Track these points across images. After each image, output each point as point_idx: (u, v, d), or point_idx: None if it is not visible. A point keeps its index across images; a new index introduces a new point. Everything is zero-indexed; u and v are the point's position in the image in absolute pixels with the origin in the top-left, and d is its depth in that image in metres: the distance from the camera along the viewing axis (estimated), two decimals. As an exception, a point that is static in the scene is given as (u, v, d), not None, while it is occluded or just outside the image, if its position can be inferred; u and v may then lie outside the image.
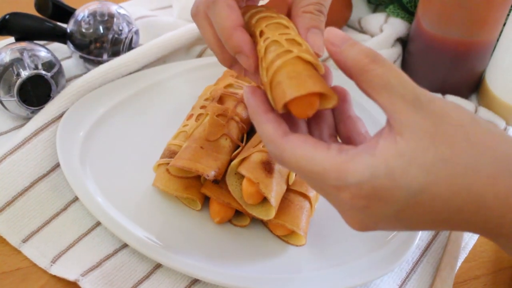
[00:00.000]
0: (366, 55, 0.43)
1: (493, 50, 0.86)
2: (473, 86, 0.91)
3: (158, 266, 0.65)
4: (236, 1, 0.51)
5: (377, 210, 0.43)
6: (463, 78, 0.88)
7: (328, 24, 0.65)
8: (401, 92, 0.42)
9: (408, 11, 0.96)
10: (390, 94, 0.42)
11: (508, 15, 0.83)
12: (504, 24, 0.83)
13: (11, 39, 0.85)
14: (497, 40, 0.85)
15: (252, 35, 0.51)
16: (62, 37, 0.85)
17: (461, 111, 0.43)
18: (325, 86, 0.45)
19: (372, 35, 0.98)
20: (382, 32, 0.95)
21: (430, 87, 0.88)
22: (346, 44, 0.45)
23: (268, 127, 0.46)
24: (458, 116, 0.42)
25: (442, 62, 0.86)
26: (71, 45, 0.85)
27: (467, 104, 0.86)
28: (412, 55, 0.90)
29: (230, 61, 0.55)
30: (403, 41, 0.96)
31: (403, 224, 0.44)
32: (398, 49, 0.93)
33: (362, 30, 1.01)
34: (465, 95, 0.89)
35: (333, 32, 0.46)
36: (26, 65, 0.74)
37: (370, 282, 0.65)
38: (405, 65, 0.93)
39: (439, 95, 0.86)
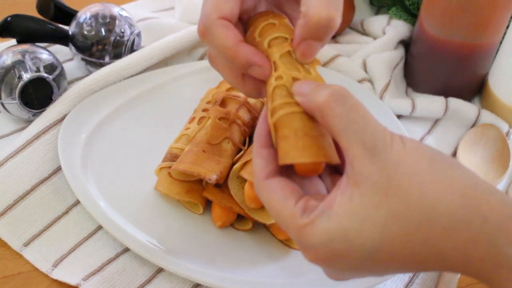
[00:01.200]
0: (329, 95, 0.42)
1: (496, 53, 0.86)
2: (476, 89, 0.90)
3: (159, 270, 0.65)
4: (230, 21, 0.49)
5: (339, 267, 0.43)
6: (466, 80, 0.88)
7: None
8: (360, 136, 0.41)
9: (411, 13, 0.95)
10: (349, 138, 0.41)
11: (511, 17, 0.82)
12: (508, 27, 0.83)
13: (13, 41, 0.85)
14: (500, 43, 0.85)
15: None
16: (64, 39, 0.85)
17: (419, 156, 0.41)
18: (331, 152, 0.45)
19: (374, 37, 0.97)
20: (385, 35, 0.94)
21: (433, 90, 0.88)
22: (312, 88, 0.44)
23: (257, 163, 0.46)
24: (414, 163, 0.41)
25: (445, 64, 0.85)
26: (73, 47, 0.84)
27: (470, 107, 0.85)
28: (415, 57, 0.90)
29: (256, 90, 0.51)
30: (406, 44, 0.95)
31: (372, 272, 0.44)
32: (401, 52, 0.93)
33: (364, 32, 1.00)
34: (468, 97, 0.89)
35: (300, 84, 0.45)
36: (28, 67, 0.74)
37: (373, 287, 0.65)
38: (408, 67, 0.92)
39: (441, 98, 0.86)
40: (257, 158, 0.47)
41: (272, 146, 0.47)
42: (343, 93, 0.43)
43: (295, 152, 0.44)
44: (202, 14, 0.49)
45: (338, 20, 0.46)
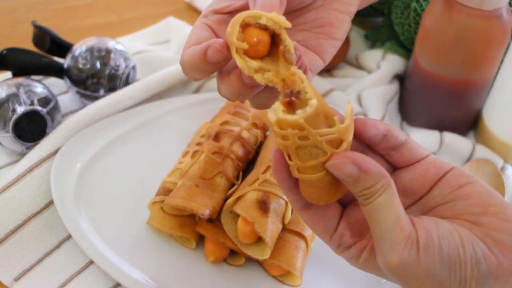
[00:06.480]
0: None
1: (490, 88, 0.86)
2: (470, 124, 0.90)
3: (151, 306, 0.64)
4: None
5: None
6: (461, 115, 0.88)
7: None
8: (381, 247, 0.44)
9: (405, 48, 0.96)
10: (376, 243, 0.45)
11: (505, 53, 0.83)
12: (501, 62, 0.83)
13: (8, 74, 0.85)
14: (494, 78, 0.85)
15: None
16: (59, 72, 0.85)
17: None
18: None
19: (369, 72, 0.98)
20: (380, 69, 0.95)
21: (428, 124, 0.88)
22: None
23: (289, 198, 0.49)
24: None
25: (439, 99, 0.85)
26: (67, 80, 0.84)
27: (465, 142, 0.85)
28: (410, 92, 0.90)
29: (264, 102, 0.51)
30: (401, 78, 0.96)
31: None
32: (395, 86, 0.93)
33: (359, 66, 1.01)
34: (463, 132, 0.89)
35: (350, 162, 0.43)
36: (22, 100, 0.74)
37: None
38: (403, 102, 0.92)
39: (436, 132, 0.86)
40: (288, 194, 0.49)
41: (296, 186, 0.47)
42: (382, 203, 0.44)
43: (320, 197, 0.46)
44: None
45: None
